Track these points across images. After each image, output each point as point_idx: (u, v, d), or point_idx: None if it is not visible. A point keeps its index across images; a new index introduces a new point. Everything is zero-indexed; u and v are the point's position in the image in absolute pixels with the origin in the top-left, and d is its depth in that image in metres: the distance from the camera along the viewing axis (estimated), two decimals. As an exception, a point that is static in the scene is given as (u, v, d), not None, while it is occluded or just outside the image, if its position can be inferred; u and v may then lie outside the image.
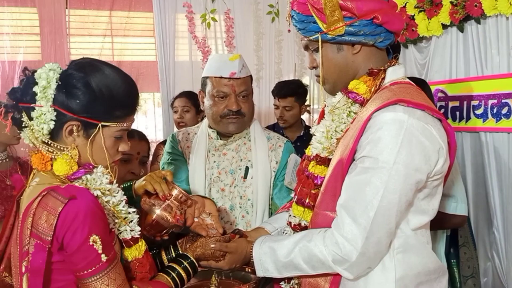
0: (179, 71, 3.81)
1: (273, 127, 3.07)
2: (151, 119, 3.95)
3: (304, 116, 3.41)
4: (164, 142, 2.69)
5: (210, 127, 1.87)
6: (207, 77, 1.80)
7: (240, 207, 1.80)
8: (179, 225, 1.37)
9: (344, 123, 1.24)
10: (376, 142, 1.09)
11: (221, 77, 1.76)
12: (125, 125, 1.17)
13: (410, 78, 1.28)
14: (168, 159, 1.86)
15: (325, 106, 1.33)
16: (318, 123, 1.33)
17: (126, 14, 3.77)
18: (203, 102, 1.84)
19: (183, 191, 1.38)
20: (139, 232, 1.17)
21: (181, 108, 3.04)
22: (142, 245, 1.19)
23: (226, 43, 3.90)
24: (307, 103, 3.26)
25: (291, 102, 3.01)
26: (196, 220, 1.43)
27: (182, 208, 1.39)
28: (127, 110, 1.17)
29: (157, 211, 1.33)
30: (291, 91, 3.03)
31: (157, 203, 1.35)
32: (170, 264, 1.30)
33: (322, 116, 1.34)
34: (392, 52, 1.31)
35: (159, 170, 1.50)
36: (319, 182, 1.26)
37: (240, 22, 3.93)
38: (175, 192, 1.37)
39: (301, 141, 2.99)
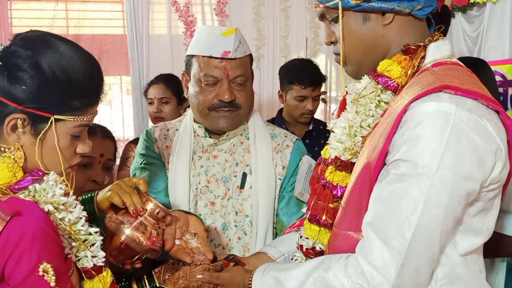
0: (155, 47, 3.82)
1: (273, 121, 3.08)
2: (118, 110, 3.96)
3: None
4: (135, 141, 2.69)
5: (196, 121, 1.87)
6: (192, 56, 1.80)
7: (236, 225, 1.81)
8: (156, 249, 1.37)
9: (372, 116, 1.24)
10: (415, 141, 1.09)
11: (210, 57, 1.75)
12: (85, 119, 1.17)
13: (462, 58, 1.28)
14: (141, 163, 1.87)
15: (346, 93, 1.34)
16: (338, 116, 1.34)
17: (85, -26, 3.79)
18: (187, 88, 1.84)
19: (160, 205, 1.38)
20: (104, 259, 1.18)
21: (158, 100, 3.05)
22: (107, 276, 1.19)
23: (217, 11, 3.90)
24: (322, 89, 3.28)
25: (320, 90, 3.05)
26: (177, 242, 1.43)
27: (160, 227, 1.39)
28: (87, 99, 1.17)
29: (127, 231, 1.33)
30: (322, 76, 3.06)
31: (126, 220, 1.35)
32: (144, 300, 1.30)
33: (343, 107, 1.35)
34: (435, 23, 1.32)
35: (130, 177, 1.51)
36: (339, 193, 1.27)
37: (235, -17, 3.94)
38: (150, 206, 1.37)
39: (310, 138, 3.02)
